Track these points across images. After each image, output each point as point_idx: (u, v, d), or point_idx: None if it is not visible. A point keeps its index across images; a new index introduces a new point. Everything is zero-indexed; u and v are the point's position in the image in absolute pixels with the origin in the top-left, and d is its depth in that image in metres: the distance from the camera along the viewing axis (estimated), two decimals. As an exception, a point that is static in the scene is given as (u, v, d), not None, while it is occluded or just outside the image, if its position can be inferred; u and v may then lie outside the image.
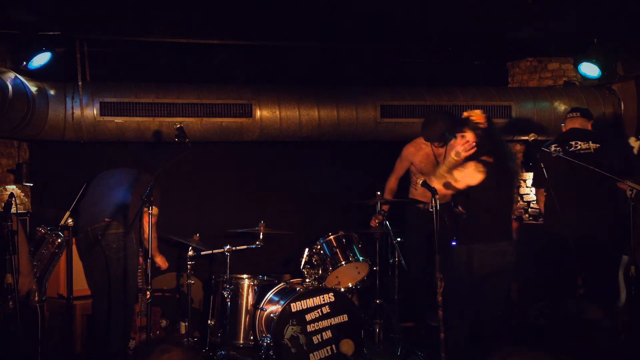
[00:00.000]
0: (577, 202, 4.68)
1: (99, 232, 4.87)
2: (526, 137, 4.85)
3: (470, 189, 4.02)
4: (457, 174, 4.01)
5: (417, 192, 5.49)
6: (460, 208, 4.17)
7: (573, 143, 4.89)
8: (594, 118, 5.17)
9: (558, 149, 4.87)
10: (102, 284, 4.97)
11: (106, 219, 4.88)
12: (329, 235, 5.22)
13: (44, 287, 4.50)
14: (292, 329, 4.66)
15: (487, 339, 4.12)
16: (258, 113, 5.73)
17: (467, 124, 4.11)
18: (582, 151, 4.83)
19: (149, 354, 2.21)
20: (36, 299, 4.23)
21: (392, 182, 5.68)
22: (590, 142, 4.87)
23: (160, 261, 5.23)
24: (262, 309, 4.98)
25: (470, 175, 4.01)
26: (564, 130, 5.14)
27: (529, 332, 5.25)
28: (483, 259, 4.07)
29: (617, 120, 6.28)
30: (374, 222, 5.30)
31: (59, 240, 4.60)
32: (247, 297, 5.12)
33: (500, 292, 4.19)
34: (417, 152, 5.52)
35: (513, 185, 4.32)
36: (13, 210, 3.64)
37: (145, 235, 4.78)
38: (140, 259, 5.04)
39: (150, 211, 4.30)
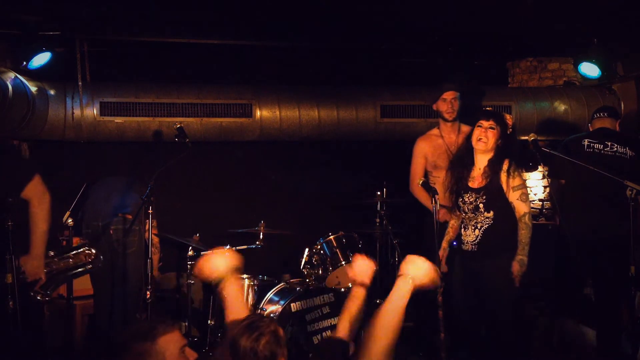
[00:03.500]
0: (601, 203, 4.58)
1: (112, 226, 4.90)
2: (526, 137, 4.84)
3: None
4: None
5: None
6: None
7: (609, 143, 4.73)
8: (621, 117, 5.06)
9: (595, 145, 4.72)
10: (105, 281, 4.97)
11: (119, 214, 4.90)
12: (329, 235, 5.22)
13: (52, 288, 4.39)
14: (293, 329, 4.66)
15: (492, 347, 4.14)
16: (258, 113, 5.73)
17: (498, 116, 4.15)
18: (617, 153, 4.70)
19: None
20: (39, 295, 4.11)
21: (418, 188, 4.87)
22: (628, 148, 4.72)
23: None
24: (262, 309, 4.97)
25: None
26: (591, 129, 4.98)
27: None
28: (489, 274, 4.12)
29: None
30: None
31: (94, 254, 4.45)
32: (247, 297, 5.11)
33: (506, 303, 4.17)
34: (429, 144, 5.16)
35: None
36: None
37: (146, 235, 4.79)
38: None
39: (150, 212, 4.31)
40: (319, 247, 5.20)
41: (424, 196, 4.89)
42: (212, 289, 5.29)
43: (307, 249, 5.20)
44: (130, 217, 4.90)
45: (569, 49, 6.30)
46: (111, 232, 4.90)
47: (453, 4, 4.92)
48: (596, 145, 4.73)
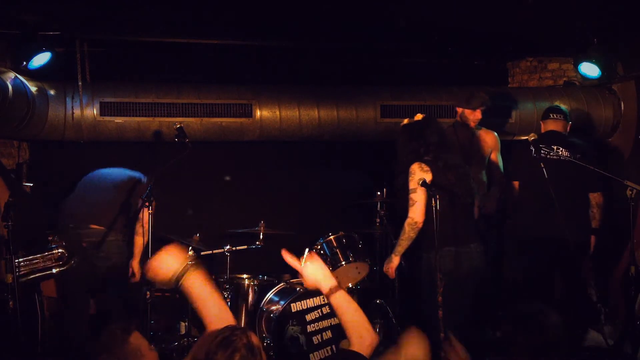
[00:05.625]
0: (560, 206, 4.63)
1: (85, 238, 4.84)
2: (526, 137, 4.86)
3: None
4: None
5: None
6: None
7: (555, 147, 4.82)
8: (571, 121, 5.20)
9: (547, 151, 4.79)
10: (80, 291, 4.92)
11: (91, 226, 4.86)
12: (329, 235, 5.22)
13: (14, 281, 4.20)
14: (292, 329, 4.66)
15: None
16: (258, 113, 5.73)
17: None
18: (562, 157, 4.80)
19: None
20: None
21: None
22: (574, 151, 4.86)
23: (136, 269, 5.05)
24: (262, 309, 4.98)
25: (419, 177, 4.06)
26: (543, 128, 5.11)
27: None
28: (456, 261, 4.11)
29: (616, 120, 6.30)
30: None
31: (66, 254, 4.31)
32: (247, 297, 5.11)
33: (427, 300, 4.18)
34: None
35: (466, 178, 4.27)
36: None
37: (146, 234, 4.79)
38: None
39: (150, 211, 4.31)
40: (319, 247, 5.20)
41: None
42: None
43: (307, 249, 5.19)
44: (95, 227, 4.86)
45: (569, 49, 6.30)
46: (84, 244, 4.83)
47: (453, 3, 4.93)
48: (544, 150, 4.78)
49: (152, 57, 6.03)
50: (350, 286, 5.24)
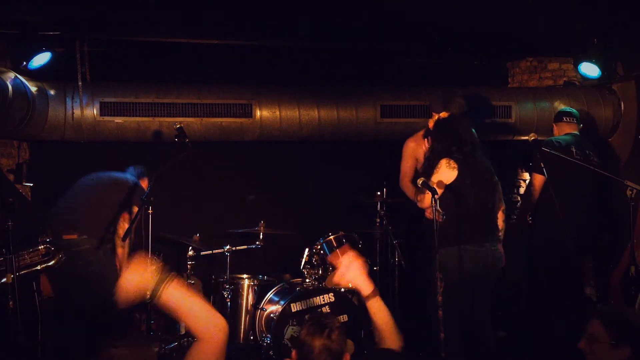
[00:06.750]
0: (580, 207, 4.74)
1: (70, 247, 4.69)
2: (526, 137, 4.85)
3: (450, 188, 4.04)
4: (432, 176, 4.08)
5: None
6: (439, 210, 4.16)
7: (588, 152, 4.99)
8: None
9: (579, 153, 4.93)
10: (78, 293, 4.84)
11: (64, 237, 4.70)
12: (329, 235, 5.22)
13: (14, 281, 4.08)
14: (292, 329, 4.66)
15: (476, 338, 4.15)
16: (258, 113, 5.73)
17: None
18: (592, 162, 4.92)
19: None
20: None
21: (409, 186, 5.07)
22: (596, 156, 5.03)
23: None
24: (262, 309, 4.98)
25: (444, 173, 4.06)
26: (558, 132, 5.21)
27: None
28: (473, 259, 4.10)
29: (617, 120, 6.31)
30: None
31: (52, 250, 4.32)
32: (247, 297, 5.11)
33: (487, 291, 4.23)
34: (419, 146, 5.19)
35: (491, 181, 4.27)
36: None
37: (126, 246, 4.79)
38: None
39: (150, 212, 4.30)
40: (319, 247, 5.20)
41: (412, 192, 4.86)
42: (212, 289, 5.33)
43: (307, 249, 5.20)
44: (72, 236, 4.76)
45: (569, 49, 6.30)
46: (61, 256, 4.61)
47: (453, 3, 4.93)
48: (580, 153, 4.94)
49: (152, 57, 6.03)
50: (350, 286, 5.22)
